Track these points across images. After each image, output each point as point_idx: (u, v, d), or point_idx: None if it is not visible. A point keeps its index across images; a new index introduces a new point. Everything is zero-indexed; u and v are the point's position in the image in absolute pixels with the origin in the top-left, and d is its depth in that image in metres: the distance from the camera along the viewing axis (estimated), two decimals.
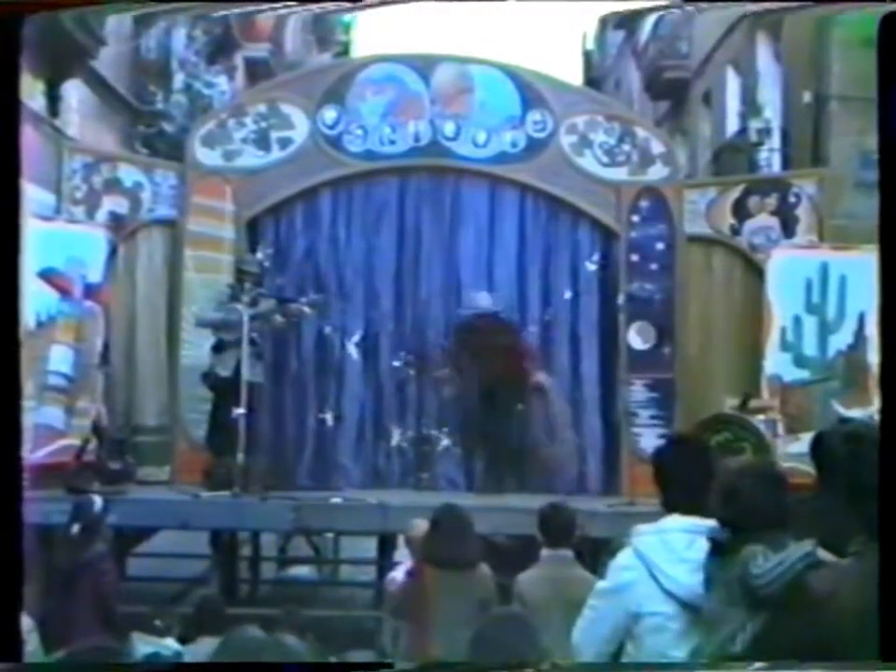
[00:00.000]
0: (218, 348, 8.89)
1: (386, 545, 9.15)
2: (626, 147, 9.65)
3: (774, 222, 9.42)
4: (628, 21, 23.89)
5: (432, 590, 5.29)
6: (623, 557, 3.44)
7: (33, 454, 7.37)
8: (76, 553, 6.20)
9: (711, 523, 3.36)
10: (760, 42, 15.00)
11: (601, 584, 3.52)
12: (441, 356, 9.65)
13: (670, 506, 3.47)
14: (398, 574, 6.00)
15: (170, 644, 5.63)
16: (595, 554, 5.83)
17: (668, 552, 3.34)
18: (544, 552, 5.31)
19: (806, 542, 3.05)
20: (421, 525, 5.93)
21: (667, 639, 3.31)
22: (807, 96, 12.59)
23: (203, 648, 5.76)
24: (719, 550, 3.21)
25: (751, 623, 3.07)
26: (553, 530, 5.35)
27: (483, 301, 9.47)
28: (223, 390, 8.77)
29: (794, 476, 8.09)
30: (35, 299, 7.87)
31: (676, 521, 3.40)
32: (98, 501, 6.45)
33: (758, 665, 3.03)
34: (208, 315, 9.02)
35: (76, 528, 6.25)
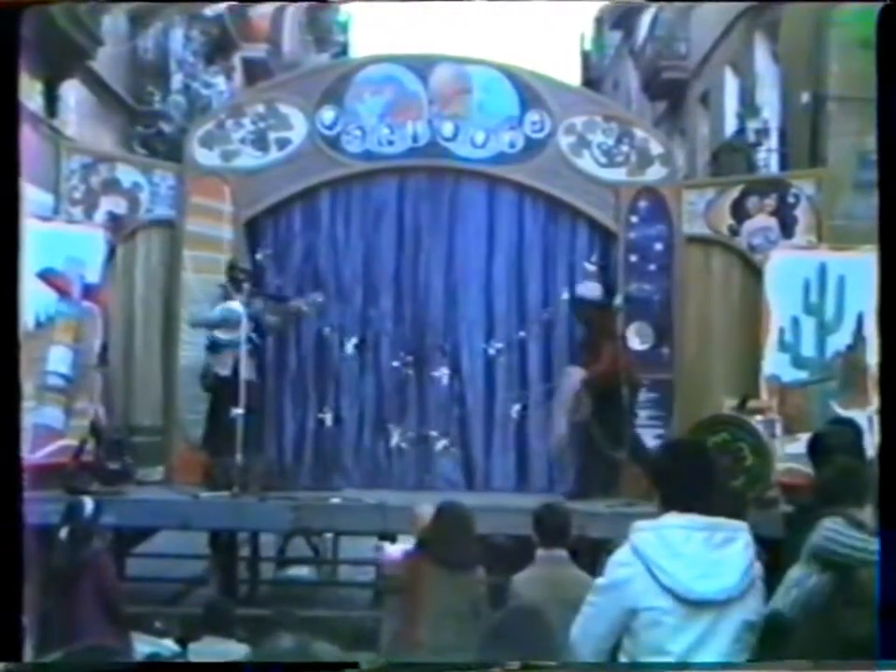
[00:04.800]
0: (214, 348, 8.88)
1: None
2: (625, 148, 9.65)
3: (772, 223, 9.42)
4: (626, 22, 23.95)
5: (428, 587, 5.28)
6: (621, 554, 3.45)
7: (32, 454, 7.37)
8: (72, 552, 6.20)
9: (710, 519, 3.38)
10: (758, 42, 15.01)
11: (599, 581, 3.53)
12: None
13: (668, 506, 3.48)
14: (393, 552, 5.95)
15: (169, 645, 5.64)
16: (593, 555, 5.84)
17: (665, 547, 3.36)
18: (539, 552, 5.32)
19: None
20: (426, 511, 5.91)
21: (664, 634, 3.32)
22: (805, 96, 12.59)
23: (209, 647, 5.79)
24: (799, 514, 3.51)
25: (815, 580, 3.39)
26: (547, 530, 5.35)
27: (593, 290, 9.29)
28: (222, 390, 8.77)
29: (792, 476, 8.11)
30: (33, 299, 7.86)
31: (673, 517, 3.42)
32: (88, 503, 6.45)
33: (757, 664, 3.06)
34: (202, 314, 9.02)
35: (65, 531, 6.26)
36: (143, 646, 5.70)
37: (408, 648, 5.16)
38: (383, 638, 5.62)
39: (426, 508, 6.04)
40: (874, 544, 3.47)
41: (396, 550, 5.98)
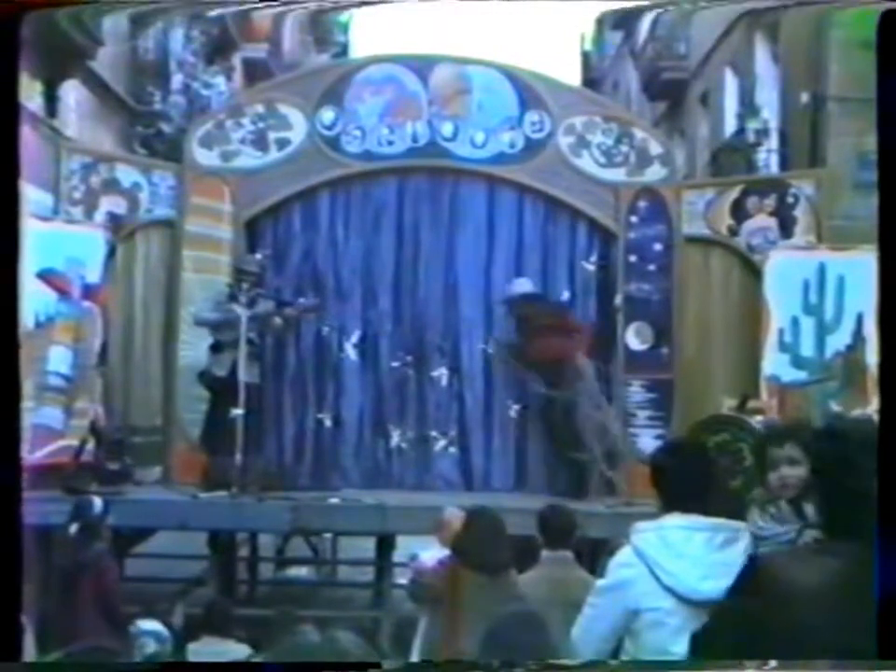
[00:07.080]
0: (216, 348, 8.89)
1: (385, 546, 9.15)
2: (624, 148, 9.65)
3: (772, 223, 9.42)
4: (626, 22, 23.94)
5: (465, 590, 5.25)
6: (623, 555, 3.45)
7: (31, 454, 7.38)
8: (76, 552, 6.20)
9: (711, 520, 3.38)
10: (758, 43, 15.02)
11: (601, 582, 3.54)
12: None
13: (669, 506, 3.48)
14: (427, 561, 5.92)
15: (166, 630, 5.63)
16: (595, 555, 5.84)
17: (667, 548, 3.36)
18: (544, 553, 5.31)
19: None
20: (455, 516, 5.89)
21: (666, 635, 3.33)
22: (805, 97, 12.61)
23: (208, 647, 5.79)
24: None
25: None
26: (552, 532, 5.34)
27: (525, 286, 9.37)
28: (220, 390, 8.76)
29: None
30: (33, 299, 7.86)
31: (675, 518, 3.42)
32: (97, 502, 6.45)
33: (759, 664, 3.04)
34: (206, 314, 9.02)
35: (74, 528, 6.25)
36: (143, 630, 5.69)
37: (450, 657, 5.13)
38: (421, 648, 5.58)
39: (454, 512, 6.02)
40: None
41: (431, 558, 5.95)
